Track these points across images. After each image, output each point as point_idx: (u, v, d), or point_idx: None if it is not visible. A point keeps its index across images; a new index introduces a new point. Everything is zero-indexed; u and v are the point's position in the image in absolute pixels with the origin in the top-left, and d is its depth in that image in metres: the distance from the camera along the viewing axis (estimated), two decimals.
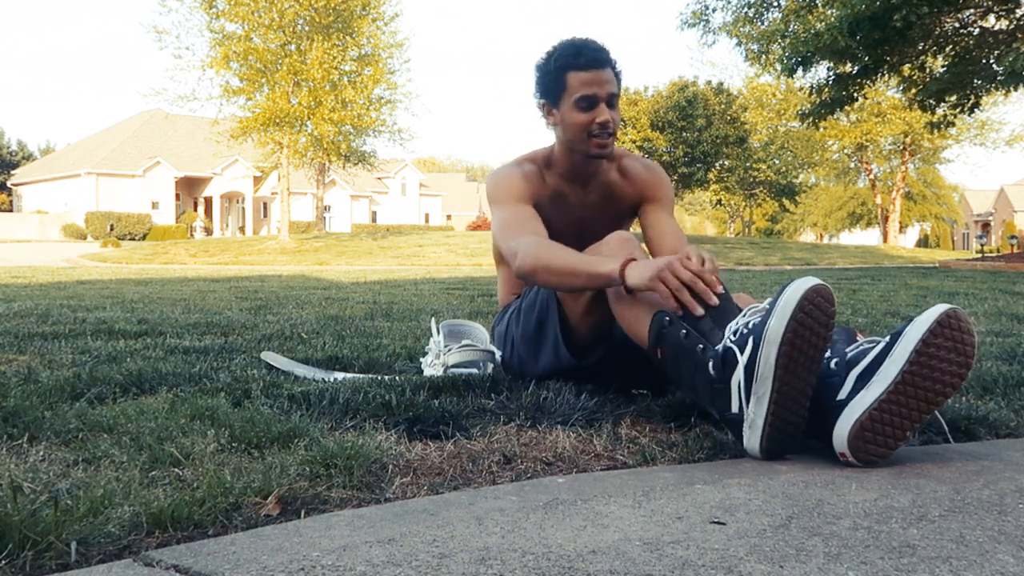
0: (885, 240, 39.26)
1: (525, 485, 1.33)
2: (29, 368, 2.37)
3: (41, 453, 1.47)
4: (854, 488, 1.30)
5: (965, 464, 1.46)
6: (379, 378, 2.15)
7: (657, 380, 1.99)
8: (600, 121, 1.98)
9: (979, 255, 22.89)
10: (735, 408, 1.50)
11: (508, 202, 2.05)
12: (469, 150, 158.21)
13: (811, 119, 15.72)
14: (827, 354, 1.54)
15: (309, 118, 21.48)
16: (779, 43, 15.14)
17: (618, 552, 1.01)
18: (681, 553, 1.01)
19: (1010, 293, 6.51)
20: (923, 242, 54.73)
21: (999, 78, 13.55)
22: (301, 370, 2.41)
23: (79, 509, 1.13)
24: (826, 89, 15.14)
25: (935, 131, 17.03)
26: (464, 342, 2.33)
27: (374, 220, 50.60)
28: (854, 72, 14.68)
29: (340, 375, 2.32)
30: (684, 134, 29.17)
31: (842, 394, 1.46)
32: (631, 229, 2.29)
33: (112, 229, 36.81)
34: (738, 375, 1.48)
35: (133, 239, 35.51)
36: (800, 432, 1.48)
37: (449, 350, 2.28)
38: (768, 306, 1.47)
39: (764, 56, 17.49)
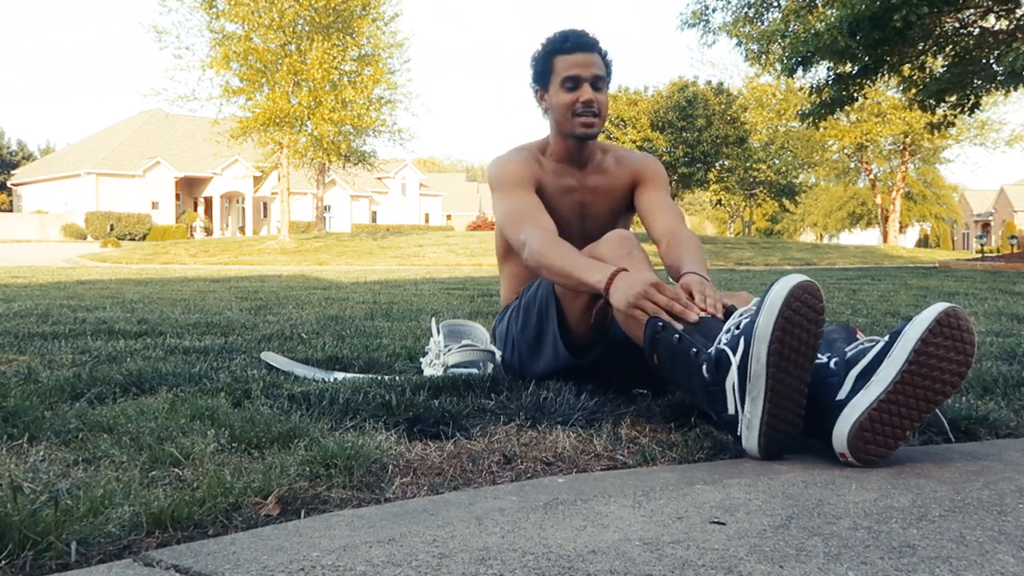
0: (885, 240, 39.23)
1: (525, 485, 1.33)
2: (29, 368, 2.37)
3: (41, 453, 1.47)
4: (854, 488, 1.30)
5: (965, 464, 1.46)
6: (379, 378, 2.15)
7: (657, 380, 1.99)
8: (584, 100, 2.08)
9: (979, 255, 22.88)
10: (731, 409, 1.50)
11: (513, 189, 2.11)
12: (469, 150, 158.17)
13: (811, 119, 15.72)
14: (826, 353, 1.54)
15: (309, 118, 21.48)
16: (779, 43, 15.12)
17: (618, 552, 1.01)
18: (681, 553, 1.01)
19: (1010, 293, 6.51)
20: (923, 242, 54.70)
21: (999, 78, 13.54)
22: (301, 370, 2.41)
23: (79, 509, 1.13)
24: (826, 89, 15.14)
25: (935, 131, 17.05)
26: (464, 342, 2.33)
27: (374, 220, 50.57)
28: (854, 72, 14.68)
29: (340, 375, 2.32)
30: (684, 134, 29.12)
31: (841, 394, 1.46)
32: (630, 229, 2.32)
33: (112, 229, 36.79)
34: (732, 376, 1.48)
35: (133, 239, 35.50)
36: (798, 431, 1.48)
37: (449, 350, 2.29)
38: (755, 306, 1.47)
39: (764, 56, 17.46)
